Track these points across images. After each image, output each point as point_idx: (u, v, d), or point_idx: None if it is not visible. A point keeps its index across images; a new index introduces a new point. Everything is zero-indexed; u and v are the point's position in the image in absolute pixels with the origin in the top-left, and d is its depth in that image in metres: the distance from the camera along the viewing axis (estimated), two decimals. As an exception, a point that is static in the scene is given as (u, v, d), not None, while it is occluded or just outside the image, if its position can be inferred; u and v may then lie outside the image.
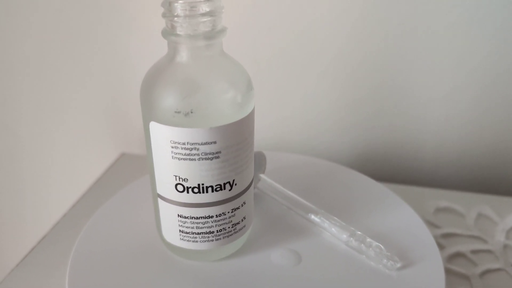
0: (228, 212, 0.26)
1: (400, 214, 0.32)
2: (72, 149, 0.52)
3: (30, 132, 0.52)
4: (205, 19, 0.23)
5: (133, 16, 0.43)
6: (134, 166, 0.45)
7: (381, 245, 0.28)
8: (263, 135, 0.46)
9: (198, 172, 0.24)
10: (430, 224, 0.36)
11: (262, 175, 0.33)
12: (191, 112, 0.23)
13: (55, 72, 0.48)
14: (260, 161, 0.33)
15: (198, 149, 0.24)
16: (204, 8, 0.23)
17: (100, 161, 0.50)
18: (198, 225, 0.26)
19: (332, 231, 0.30)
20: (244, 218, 0.28)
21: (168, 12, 0.23)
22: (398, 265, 0.27)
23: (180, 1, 0.23)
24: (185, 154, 0.24)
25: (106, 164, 0.48)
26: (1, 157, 0.55)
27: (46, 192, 0.55)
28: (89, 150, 0.51)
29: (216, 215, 0.26)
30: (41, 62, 0.48)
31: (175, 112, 0.23)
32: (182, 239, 0.27)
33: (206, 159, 0.24)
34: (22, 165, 0.54)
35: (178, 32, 0.23)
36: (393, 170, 0.46)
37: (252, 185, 0.28)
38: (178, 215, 0.26)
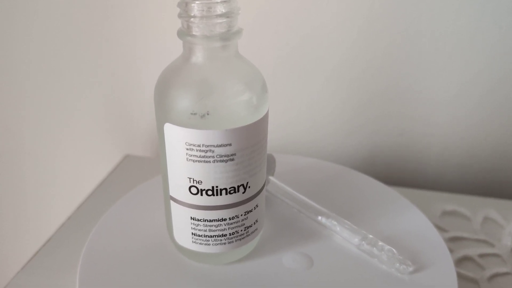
0: (241, 215, 0.26)
1: (410, 218, 0.32)
2: (76, 151, 0.51)
3: (33, 134, 0.52)
4: (222, 20, 0.23)
5: (138, 18, 0.43)
6: (138, 168, 0.45)
7: (393, 249, 0.28)
8: (269, 137, 0.45)
9: (213, 175, 0.24)
10: (437, 228, 0.36)
11: (271, 178, 0.33)
12: (207, 114, 0.23)
13: (58, 74, 0.48)
14: (269, 164, 0.33)
15: (213, 151, 0.23)
16: (221, 9, 0.23)
17: (104, 163, 0.49)
18: (211, 228, 0.26)
19: (343, 235, 0.29)
20: (257, 221, 0.27)
21: (185, 13, 0.23)
22: (411, 269, 0.27)
23: (197, 2, 0.22)
24: (200, 156, 0.24)
25: (110, 166, 0.47)
26: (4, 160, 0.54)
27: (50, 194, 0.55)
28: (93, 152, 0.51)
29: (229, 218, 0.26)
30: (45, 64, 0.48)
31: (191, 113, 0.23)
32: (194, 242, 0.26)
33: (221, 161, 0.24)
34: (25, 167, 0.54)
35: (194, 33, 0.23)
36: (398, 173, 0.46)
37: (264, 188, 0.28)
38: (191, 217, 0.26)
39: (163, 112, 0.24)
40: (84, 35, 0.45)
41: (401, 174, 0.46)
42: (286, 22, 0.41)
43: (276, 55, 0.43)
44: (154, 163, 0.45)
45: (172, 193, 0.26)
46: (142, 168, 0.44)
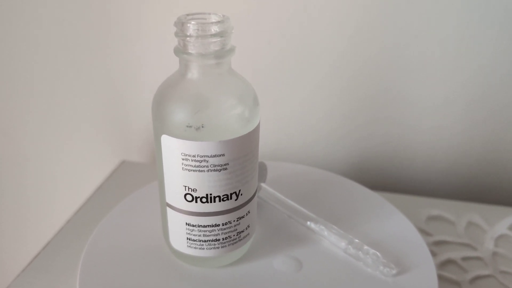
0: (234, 221, 0.27)
1: (395, 223, 0.34)
2: (73, 156, 0.52)
3: (31, 140, 0.53)
4: (216, 39, 0.24)
5: (135, 26, 0.44)
6: (135, 173, 0.46)
7: (377, 253, 0.30)
8: (260, 143, 0.46)
9: (207, 183, 0.26)
10: (422, 232, 0.38)
11: (263, 184, 0.35)
12: (202, 127, 0.24)
13: (56, 80, 0.49)
14: (261, 171, 0.35)
15: (207, 161, 0.25)
16: (215, 29, 0.24)
17: (101, 168, 0.50)
18: (205, 233, 0.27)
19: (331, 239, 0.31)
20: (248, 226, 0.29)
21: (181, 32, 0.24)
22: (394, 271, 0.29)
23: (193, 22, 0.24)
24: (195, 166, 0.25)
25: (107, 172, 0.48)
26: (3, 165, 0.55)
27: (49, 198, 0.55)
28: (90, 158, 0.52)
29: (223, 224, 0.27)
30: (43, 70, 0.49)
31: (187, 126, 0.24)
32: (189, 246, 0.28)
33: (214, 170, 0.25)
34: (23, 172, 0.55)
35: (190, 51, 0.24)
36: (386, 179, 0.47)
37: (256, 195, 0.29)
38: (186, 223, 0.27)
39: (160, 125, 0.25)
40: (82, 41, 0.46)
41: (389, 180, 0.47)
42: (278, 29, 0.42)
43: (266, 62, 0.44)
44: (150, 169, 0.46)
45: (168, 200, 0.27)
46: (139, 173, 0.46)
